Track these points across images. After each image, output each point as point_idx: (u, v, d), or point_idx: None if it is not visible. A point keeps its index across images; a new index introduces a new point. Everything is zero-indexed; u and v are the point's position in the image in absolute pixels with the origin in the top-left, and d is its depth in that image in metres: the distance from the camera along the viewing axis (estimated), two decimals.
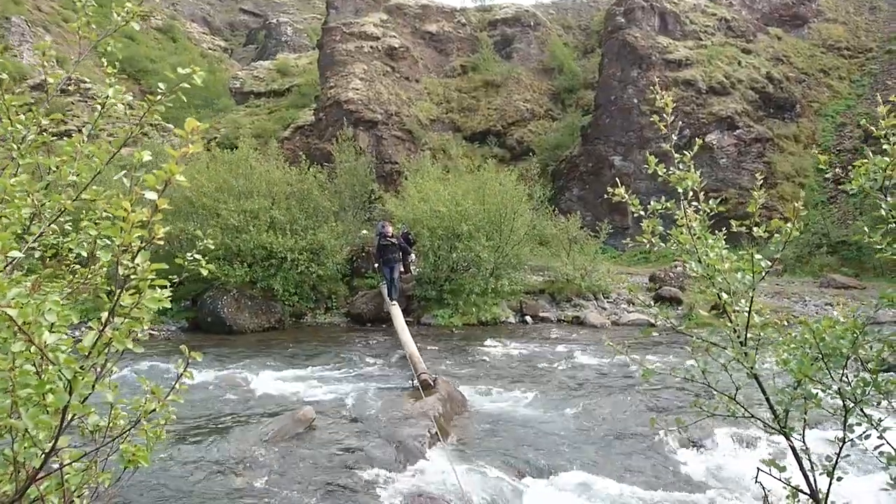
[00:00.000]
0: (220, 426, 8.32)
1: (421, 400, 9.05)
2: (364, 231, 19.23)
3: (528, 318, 17.34)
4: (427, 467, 7.13)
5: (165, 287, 1.87)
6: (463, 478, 6.80)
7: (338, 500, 6.27)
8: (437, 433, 8.10)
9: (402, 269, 16.37)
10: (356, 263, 18.65)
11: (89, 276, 2.66)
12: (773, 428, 2.70)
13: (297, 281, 16.53)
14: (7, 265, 1.80)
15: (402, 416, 8.50)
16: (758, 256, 2.80)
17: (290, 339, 14.86)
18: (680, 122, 27.36)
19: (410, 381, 10.20)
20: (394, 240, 15.57)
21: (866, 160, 2.58)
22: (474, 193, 17.60)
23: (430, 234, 16.82)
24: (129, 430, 2.06)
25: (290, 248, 15.97)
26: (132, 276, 1.70)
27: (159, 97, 2.44)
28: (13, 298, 1.49)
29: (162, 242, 1.76)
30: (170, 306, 1.93)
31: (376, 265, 16.45)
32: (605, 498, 6.53)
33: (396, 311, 14.43)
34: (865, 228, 2.70)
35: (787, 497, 2.83)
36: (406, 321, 14.60)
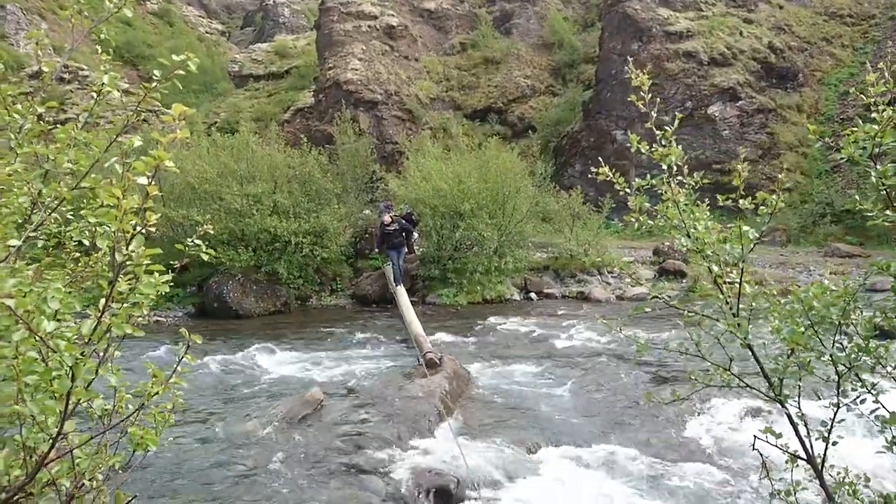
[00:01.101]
0: (228, 409, 8.44)
1: (427, 378, 9.14)
2: (367, 212, 19.24)
3: (532, 295, 17.40)
4: (434, 445, 7.23)
5: (164, 273, 1.91)
6: (470, 453, 6.90)
7: (347, 480, 6.37)
8: (443, 411, 8.19)
9: (406, 251, 16.36)
10: (359, 245, 18.70)
11: (91, 263, 2.70)
12: (767, 396, 2.75)
13: (302, 264, 16.61)
14: (7, 255, 1.84)
15: (409, 395, 8.60)
16: (745, 228, 2.83)
17: (296, 322, 14.97)
18: (671, 94, 27.18)
19: (416, 360, 10.29)
20: (395, 226, 15.50)
21: (856, 128, 2.59)
22: (476, 172, 17.58)
23: (433, 212, 16.84)
24: (134, 413, 2.12)
25: (294, 231, 16.02)
26: (128, 263, 1.74)
27: (155, 84, 2.46)
28: (12, 287, 1.53)
29: (154, 229, 1.80)
30: (168, 291, 1.97)
31: (377, 249, 16.46)
32: (610, 468, 6.63)
33: (402, 293, 14.51)
34: (857, 196, 2.72)
35: (786, 462, 2.89)
36: (411, 301, 14.68)
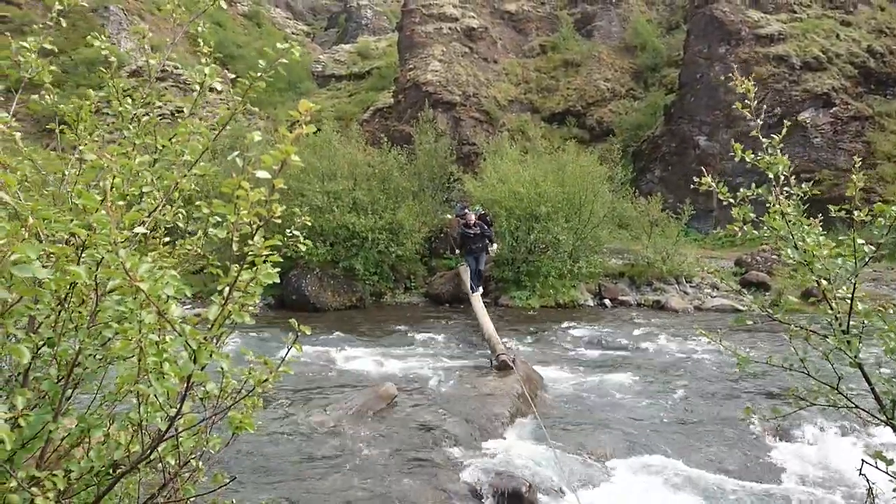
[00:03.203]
0: (305, 398, 8.65)
1: (499, 380, 9.11)
2: (448, 216, 19.31)
3: (606, 302, 17.09)
4: (506, 446, 7.20)
5: (278, 263, 1.97)
6: (541, 457, 6.83)
7: (421, 475, 6.43)
8: (516, 413, 8.15)
9: (486, 257, 16.17)
10: (434, 244, 18.83)
11: (190, 250, 2.82)
12: (879, 419, 2.59)
13: (377, 261, 16.85)
14: (132, 241, 1.95)
15: (481, 395, 8.60)
16: (860, 241, 2.68)
17: (370, 318, 15.21)
18: (762, 104, 26.10)
19: (489, 361, 10.27)
20: (477, 230, 15.36)
21: None
22: (553, 175, 17.40)
23: (508, 215, 16.78)
24: (242, 398, 2.19)
25: (371, 227, 16.28)
26: (250, 253, 1.80)
27: (260, 74, 2.53)
28: (143, 272, 1.61)
29: (280, 221, 1.86)
30: (279, 280, 2.04)
31: (457, 252, 16.46)
32: (689, 485, 6.42)
33: (477, 296, 14.53)
34: None
35: (894, 490, 2.73)
36: (483, 302, 14.69)
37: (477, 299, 14.39)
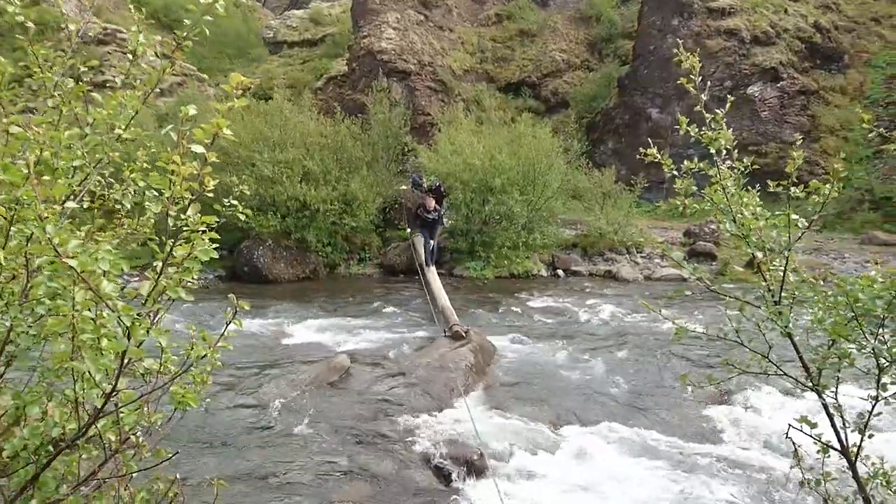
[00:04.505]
0: (256, 372, 8.59)
1: (453, 350, 9.21)
2: (403, 187, 19.22)
3: (559, 272, 17.34)
4: (458, 415, 7.31)
5: (216, 239, 1.94)
6: (492, 425, 6.97)
7: (371, 445, 6.49)
8: (468, 382, 8.26)
9: (439, 230, 16.29)
10: (389, 215, 18.73)
11: (137, 227, 2.75)
12: (805, 385, 2.72)
13: (330, 231, 16.70)
14: (63, 216, 1.89)
15: (434, 366, 8.68)
16: (795, 216, 2.78)
17: (324, 289, 15.13)
18: (712, 72, 26.54)
19: (442, 332, 10.35)
20: (436, 215, 15.50)
21: None
22: (508, 147, 17.43)
23: (463, 186, 16.78)
24: (180, 373, 2.17)
25: (323, 198, 16.10)
26: (184, 228, 1.77)
27: (185, 33, 2.44)
28: (74, 248, 1.57)
29: (212, 195, 1.82)
30: (217, 256, 2.01)
31: (409, 229, 16.48)
32: (632, 450, 6.64)
33: (431, 270, 14.59)
34: None
35: (818, 453, 2.87)
36: (438, 273, 14.75)
37: (431, 271, 14.46)
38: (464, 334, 9.77)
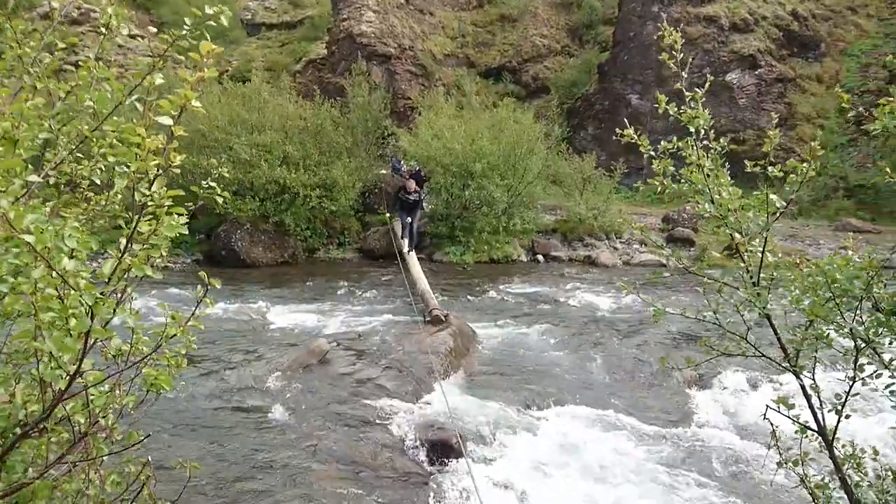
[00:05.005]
0: (235, 357, 8.51)
1: (432, 334, 9.19)
2: (383, 171, 19.11)
3: (539, 257, 17.38)
4: (437, 399, 7.30)
5: (183, 214, 1.87)
6: (472, 408, 6.97)
7: (350, 428, 6.46)
8: (447, 366, 8.26)
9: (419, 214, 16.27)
10: (368, 199, 18.61)
11: (106, 203, 2.66)
12: (783, 366, 2.73)
13: (309, 216, 16.57)
14: (25, 191, 1.81)
15: (414, 350, 8.65)
16: (773, 196, 2.77)
17: (303, 274, 15.02)
18: (691, 60, 26.63)
19: (422, 316, 10.33)
20: (417, 196, 15.52)
21: (892, 98, 2.51)
22: (489, 131, 17.36)
23: (444, 171, 16.71)
24: (150, 354, 2.11)
25: (303, 183, 15.95)
26: (149, 204, 1.70)
27: (185, 33, 2.36)
28: (31, 224, 1.50)
29: (178, 170, 1.76)
30: (186, 233, 1.94)
31: (388, 214, 16.42)
32: (610, 432, 6.69)
33: (411, 254, 14.54)
34: (888, 168, 2.66)
35: (795, 433, 2.89)
36: (418, 257, 14.70)
37: (411, 255, 14.41)
38: (443, 319, 9.75)
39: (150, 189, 1.68)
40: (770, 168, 2.76)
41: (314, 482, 5.44)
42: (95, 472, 2.45)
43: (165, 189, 1.73)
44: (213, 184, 2.55)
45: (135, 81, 2.06)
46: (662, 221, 19.82)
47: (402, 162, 17.91)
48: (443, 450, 6.11)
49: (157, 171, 1.68)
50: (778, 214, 2.74)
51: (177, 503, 2.88)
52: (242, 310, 11.00)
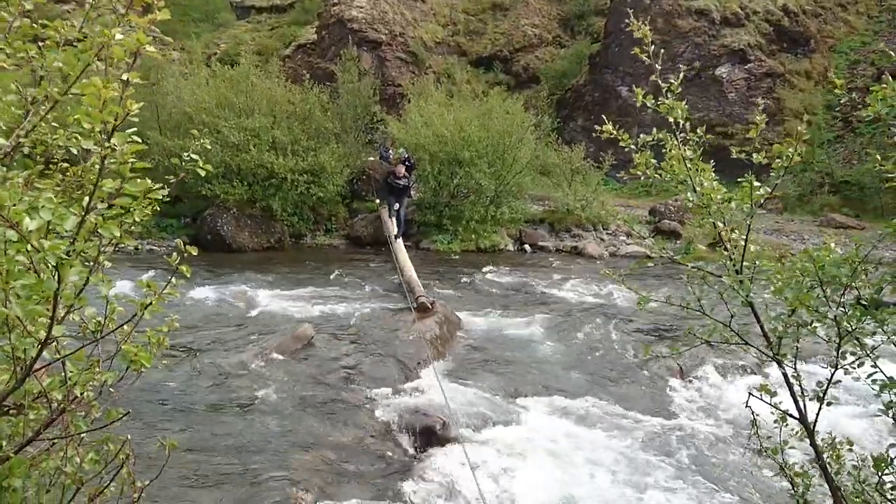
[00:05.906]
0: (219, 341, 8.46)
1: (418, 321, 9.17)
2: (371, 158, 19.02)
3: (526, 247, 17.39)
4: (422, 385, 7.30)
5: (148, 168, 1.81)
6: (456, 396, 6.96)
7: (335, 415, 6.44)
8: (432, 353, 8.25)
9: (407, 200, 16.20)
10: (356, 186, 18.52)
11: (82, 174, 2.59)
12: (766, 354, 2.73)
13: (297, 201, 16.46)
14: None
15: (400, 337, 8.64)
16: (756, 183, 2.77)
17: (289, 259, 14.94)
18: (685, 55, 26.67)
19: (409, 303, 10.31)
20: (406, 182, 15.41)
21: (885, 85, 2.50)
22: (478, 120, 17.31)
23: (432, 159, 16.65)
24: (126, 323, 2.06)
25: (291, 168, 15.83)
26: (111, 162, 1.64)
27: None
28: None
29: (137, 119, 1.69)
30: (161, 197, 1.88)
31: (378, 200, 16.36)
32: (592, 419, 6.71)
33: (398, 241, 14.51)
34: (878, 156, 2.65)
35: (775, 422, 2.89)
36: (405, 245, 14.66)
37: (398, 242, 14.38)
38: (430, 306, 9.74)
39: (109, 141, 1.61)
40: (755, 155, 2.75)
41: (297, 467, 5.41)
42: (74, 450, 2.41)
43: (127, 144, 1.66)
44: (194, 156, 2.47)
45: (101, 39, 1.98)
46: (649, 214, 19.88)
47: (389, 150, 17.82)
48: (429, 435, 6.11)
49: (115, 121, 1.61)
50: (762, 200, 2.73)
51: (156, 481, 2.83)
52: (227, 294, 10.92)
